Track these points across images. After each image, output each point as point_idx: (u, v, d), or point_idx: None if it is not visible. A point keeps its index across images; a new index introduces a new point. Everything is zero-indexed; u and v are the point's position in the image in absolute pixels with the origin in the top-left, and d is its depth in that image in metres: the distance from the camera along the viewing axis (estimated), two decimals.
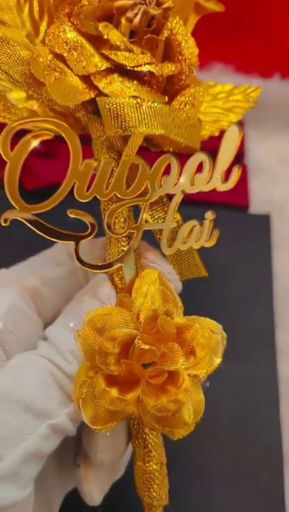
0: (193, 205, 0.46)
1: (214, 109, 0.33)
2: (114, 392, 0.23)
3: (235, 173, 0.27)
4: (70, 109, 0.26)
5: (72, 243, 0.26)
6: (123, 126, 0.25)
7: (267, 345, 0.48)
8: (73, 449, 0.30)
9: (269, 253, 0.54)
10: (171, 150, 0.27)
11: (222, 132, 0.28)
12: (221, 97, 0.34)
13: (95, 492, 0.29)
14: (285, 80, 0.64)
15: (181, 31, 0.26)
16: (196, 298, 0.45)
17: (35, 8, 0.27)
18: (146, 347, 0.23)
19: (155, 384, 0.24)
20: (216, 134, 0.32)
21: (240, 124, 0.46)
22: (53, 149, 0.28)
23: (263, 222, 0.56)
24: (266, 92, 0.54)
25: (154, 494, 0.29)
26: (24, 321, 0.28)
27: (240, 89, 0.35)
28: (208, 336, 0.25)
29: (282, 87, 0.65)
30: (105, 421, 0.24)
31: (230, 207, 0.56)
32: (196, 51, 0.27)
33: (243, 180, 0.58)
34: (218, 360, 0.26)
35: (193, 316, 0.26)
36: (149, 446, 0.29)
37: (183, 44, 0.26)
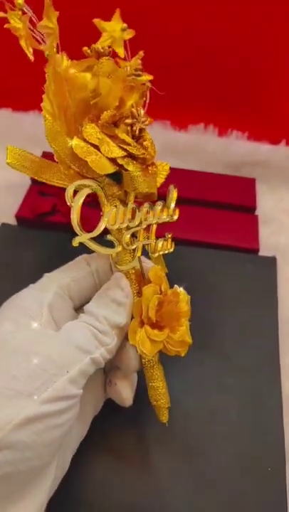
0: (216, 247, 0.63)
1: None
2: (157, 331, 0.38)
3: (176, 211, 0.41)
4: (95, 175, 0.36)
5: (109, 253, 0.38)
6: (136, 188, 0.37)
7: (271, 365, 0.51)
8: (102, 381, 0.42)
9: (274, 288, 0.58)
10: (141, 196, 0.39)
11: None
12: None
13: (130, 396, 0.41)
14: None
15: (148, 136, 0.38)
16: (212, 323, 0.56)
17: (69, 117, 0.37)
18: (175, 300, 0.39)
19: (174, 324, 0.39)
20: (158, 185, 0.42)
21: (253, 180, 0.66)
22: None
23: (270, 263, 0.61)
24: (274, 155, 0.73)
25: (163, 400, 0.41)
26: (63, 302, 0.38)
27: (158, 163, 0.43)
28: (184, 294, 0.40)
29: (287, 151, 0.73)
30: (152, 350, 0.38)
31: (244, 250, 0.63)
32: (154, 147, 0.38)
33: (255, 228, 0.66)
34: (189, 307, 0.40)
35: (174, 288, 0.40)
36: (156, 373, 0.41)
37: (149, 142, 0.38)
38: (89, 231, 0.36)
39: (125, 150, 0.36)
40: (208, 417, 0.47)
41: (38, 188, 0.68)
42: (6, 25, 0.35)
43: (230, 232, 0.64)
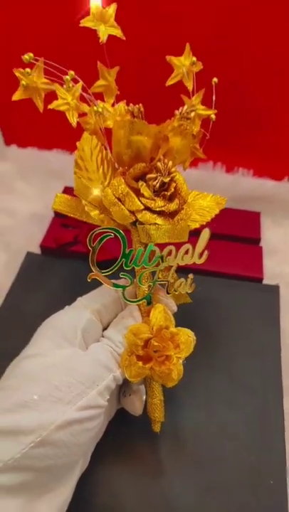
0: (223, 276, 0.65)
1: (195, 212, 0.43)
2: (140, 364, 0.38)
3: (205, 255, 0.40)
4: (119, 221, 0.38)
5: (121, 290, 0.40)
6: (149, 239, 0.38)
7: (275, 385, 0.53)
8: (116, 393, 0.45)
9: (277, 314, 0.60)
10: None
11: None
12: (195, 199, 0.44)
13: (141, 406, 0.44)
14: None
15: (179, 179, 0.38)
16: (219, 345, 0.57)
17: (105, 168, 0.40)
18: (156, 343, 0.38)
19: (160, 360, 0.39)
20: (198, 226, 0.43)
21: (258, 214, 0.73)
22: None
23: (274, 290, 0.63)
24: (278, 191, 0.74)
25: (156, 415, 0.44)
26: (95, 326, 0.41)
27: (212, 198, 0.46)
28: (186, 338, 0.40)
29: None
30: (136, 377, 0.39)
31: (249, 279, 0.65)
32: (187, 189, 0.38)
33: (259, 259, 0.67)
34: (191, 350, 0.40)
35: (180, 327, 0.40)
36: (155, 391, 0.43)
37: (180, 186, 0.38)
38: (105, 260, 0.38)
39: (143, 203, 0.37)
40: (216, 432, 0.49)
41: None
42: (49, 106, 0.38)
43: (236, 262, 0.67)
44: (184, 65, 0.40)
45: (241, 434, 0.48)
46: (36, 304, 0.59)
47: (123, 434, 0.47)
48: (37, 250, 0.68)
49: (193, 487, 0.44)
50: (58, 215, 0.72)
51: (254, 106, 0.67)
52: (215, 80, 0.40)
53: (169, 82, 0.40)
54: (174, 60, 0.40)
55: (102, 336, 0.41)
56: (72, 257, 0.67)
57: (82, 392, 0.35)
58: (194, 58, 0.40)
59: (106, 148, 0.40)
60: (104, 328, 0.43)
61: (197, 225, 0.43)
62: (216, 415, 0.50)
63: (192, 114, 0.39)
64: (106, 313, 0.43)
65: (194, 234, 0.41)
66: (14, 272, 0.65)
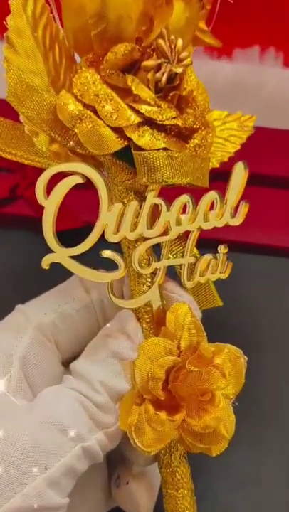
0: (275, 252, 0.51)
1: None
2: (163, 415, 0.27)
3: (243, 209, 0.30)
4: (93, 154, 0.28)
5: (107, 282, 0.29)
6: (158, 179, 0.27)
7: None
8: (105, 482, 0.35)
9: None
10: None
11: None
12: (216, 125, 0.35)
13: (147, 503, 0.33)
14: None
15: (193, 79, 0.29)
16: (272, 371, 0.46)
17: (57, 56, 0.29)
18: (196, 369, 0.27)
19: (198, 406, 0.28)
20: (217, 165, 0.34)
21: None
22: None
23: None
24: None
25: None
26: (45, 353, 0.31)
27: (234, 117, 0.37)
28: (234, 360, 0.29)
29: None
30: (154, 444, 0.28)
31: None
32: (207, 99, 0.30)
33: None
34: (242, 381, 0.30)
35: (218, 343, 0.30)
36: (179, 472, 0.32)
37: (195, 92, 0.29)
38: (73, 230, 0.31)
39: (140, 113, 0.27)
40: None
41: None
42: None
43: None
44: None
45: None
46: None
47: None
48: None
49: None
50: None
51: None
52: None
53: None
54: None
55: (67, 371, 0.32)
56: (10, 223, 0.50)
57: (12, 483, 0.25)
58: None
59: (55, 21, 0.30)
60: (70, 358, 0.32)
61: (215, 163, 0.35)
62: (276, 495, 0.41)
63: None
64: (68, 331, 0.32)
65: (213, 178, 0.31)
66: None
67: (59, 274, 0.32)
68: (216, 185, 0.30)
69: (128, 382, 0.29)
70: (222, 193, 0.30)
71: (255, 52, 0.54)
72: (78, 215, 0.39)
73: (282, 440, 0.44)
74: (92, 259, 0.28)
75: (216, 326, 0.32)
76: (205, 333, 0.30)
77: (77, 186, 0.28)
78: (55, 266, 0.29)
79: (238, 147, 0.36)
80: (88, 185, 0.28)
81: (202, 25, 0.34)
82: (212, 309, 0.35)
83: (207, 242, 0.32)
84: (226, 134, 0.36)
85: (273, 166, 0.54)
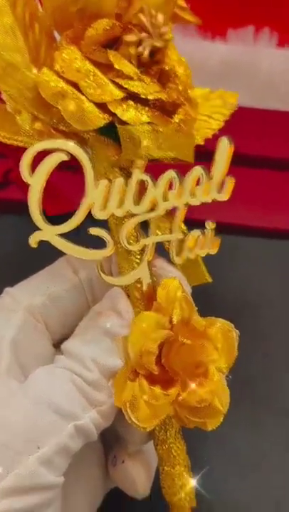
0: (268, 234, 0.51)
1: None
2: (157, 389, 0.27)
3: (229, 184, 0.30)
4: (76, 130, 0.28)
5: (96, 260, 0.29)
6: (144, 153, 0.27)
7: None
8: (101, 461, 0.35)
9: None
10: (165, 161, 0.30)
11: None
12: (199, 102, 0.35)
13: (145, 481, 0.33)
14: None
15: (173, 54, 0.29)
16: (268, 354, 0.46)
17: (37, 33, 0.28)
18: (189, 342, 0.27)
19: (196, 375, 0.28)
20: (202, 142, 0.34)
21: None
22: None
23: None
24: None
25: (183, 495, 0.32)
26: (35, 335, 0.31)
27: (217, 94, 0.37)
28: (226, 333, 0.29)
29: None
30: (150, 419, 0.27)
31: None
32: (189, 75, 0.30)
33: None
34: (235, 354, 0.30)
35: (210, 317, 0.30)
36: (175, 449, 0.32)
37: (177, 67, 0.29)
38: (62, 214, 0.28)
39: (123, 88, 0.27)
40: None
41: None
42: None
43: (281, 206, 0.53)
44: None
45: None
46: None
47: None
48: None
49: None
50: None
51: None
52: None
53: None
54: None
55: (58, 352, 0.31)
56: (3, 208, 0.52)
57: (6, 462, 0.25)
58: None
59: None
60: (61, 340, 0.32)
61: (200, 140, 0.34)
62: (272, 484, 0.41)
63: None
64: (58, 312, 0.32)
65: (198, 158, 0.31)
66: None
67: (49, 258, 0.33)
68: (202, 164, 0.30)
69: (120, 358, 0.29)
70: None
71: (250, 33, 0.55)
72: (72, 199, 0.39)
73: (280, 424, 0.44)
74: (79, 241, 0.29)
75: (209, 303, 0.32)
76: (196, 308, 0.30)
77: (66, 169, 0.27)
78: (45, 251, 0.29)
79: (222, 124, 0.35)
80: (76, 167, 0.28)
81: (181, 2, 0.34)
82: (203, 286, 0.35)
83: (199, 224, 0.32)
84: (209, 111, 0.36)
85: (267, 147, 0.55)
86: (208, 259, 0.34)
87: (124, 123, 0.27)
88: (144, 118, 0.27)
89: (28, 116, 0.28)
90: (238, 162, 0.31)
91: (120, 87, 0.27)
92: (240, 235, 0.51)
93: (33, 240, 0.27)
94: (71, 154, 0.27)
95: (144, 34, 0.27)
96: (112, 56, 0.27)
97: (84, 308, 0.33)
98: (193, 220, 0.31)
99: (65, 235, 0.28)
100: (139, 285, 0.30)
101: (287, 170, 0.55)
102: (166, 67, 0.29)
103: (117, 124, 0.27)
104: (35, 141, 0.28)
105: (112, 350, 0.29)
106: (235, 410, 0.31)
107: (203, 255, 0.32)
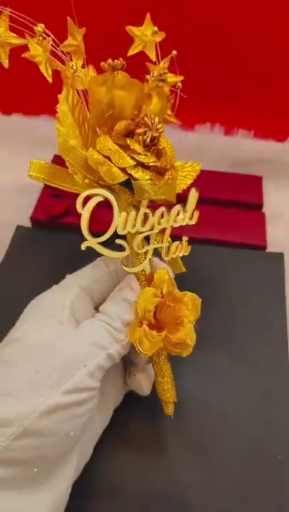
0: (225, 245, 0.63)
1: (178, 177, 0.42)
2: (154, 332, 0.36)
3: (196, 215, 0.39)
4: (108, 184, 0.36)
5: (119, 258, 0.38)
6: (146, 196, 0.36)
7: (281, 358, 0.51)
8: (122, 375, 0.43)
9: (283, 284, 0.58)
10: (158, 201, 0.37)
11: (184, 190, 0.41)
12: (178, 168, 0.42)
13: (148, 386, 0.42)
14: None
15: (165, 140, 0.37)
16: (222, 319, 0.55)
17: (86, 128, 0.37)
18: (172, 304, 0.37)
19: (176, 323, 0.37)
20: (180, 191, 0.42)
21: (260, 178, 0.71)
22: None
23: (278, 259, 0.61)
24: (281, 153, 0.72)
25: (168, 395, 0.41)
26: (84, 301, 0.39)
27: (188, 164, 0.44)
28: (194, 300, 0.39)
29: None
30: (150, 350, 0.36)
31: (252, 247, 0.63)
32: (173, 152, 0.37)
33: (262, 225, 0.65)
34: (199, 313, 0.39)
35: (184, 291, 0.39)
36: (164, 369, 0.41)
37: (166, 148, 0.37)
38: (100, 232, 0.35)
39: (135, 159, 0.35)
40: (221, 409, 0.47)
41: (51, 191, 0.68)
42: (23, 55, 0.35)
43: (238, 230, 0.64)
44: (145, 34, 0.39)
45: (246, 412, 0.47)
46: (29, 281, 0.54)
47: (124, 418, 0.45)
48: (27, 224, 0.65)
49: (198, 468, 0.43)
50: (48, 185, 0.66)
51: (253, 62, 0.64)
52: (174, 52, 0.39)
53: (131, 52, 0.39)
54: (134, 30, 0.39)
55: (98, 312, 0.38)
56: (64, 229, 0.64)
57: (66, 374, 0.32)
58: (155, 28, 0.39)
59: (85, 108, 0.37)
60: (98, 305, 0.40)
61: (179, 190, 0.42)
62: (220, 392, 0.49)
63: (166, 76, 0.37)
64: (97, 289, 0.40)
65: (179, 200, 0.40)
66: (4, 248, 0.62)
67: (91, 258, 0.42)
68: (180, 203, 0.39)
69: (133, 314, 0.37)
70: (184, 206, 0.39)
71: (208, 127, 0.74)
72: (106, 223, 0.43)
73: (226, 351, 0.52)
74: (109, 247, 0.37)
75: (183, 283, 0.42)
76: (176, 286, 0.39)
77: (102, 206, 0.35)
78: (89, 254, 0.37)
79: (192, 181, 0.43)
80: (108, 205, 0.37)
81: (168, 111, 0.41)
82: (181, 273, 0.45)
83: (178, 237, 0.41)
84: (184, 174, 0.44)
85: (230, 193, 0.70)
86: (185, 258, 0.43)
87: (135, 179, 0.35)
88: (147, 176, 0.35)
89: (81, 175, 0.37)
90: (201, 202, 0.39)
91: (133, 158, 0.35)
92: (202, 245, 0.61)
93: (83, 246, 0.35)
94: (105, 198, 0.35)
95: (147, 128, 0.35)
96: (129, 141, 0.35)
97: (112, 287, 0.40)
98: (175, 235, 0.40)
99: (101, 244, 0.35)
100: (143, 272, 0.39)
101: (226, 206, 0.68)
102: (160, 147, 0.36)
103: (132, 180, 0.35)
104: (85, 190, 0.35)
105: (128, 309, 0.37)
106: (197, 346, 0.39)
107: (181, 256, 0.40)
